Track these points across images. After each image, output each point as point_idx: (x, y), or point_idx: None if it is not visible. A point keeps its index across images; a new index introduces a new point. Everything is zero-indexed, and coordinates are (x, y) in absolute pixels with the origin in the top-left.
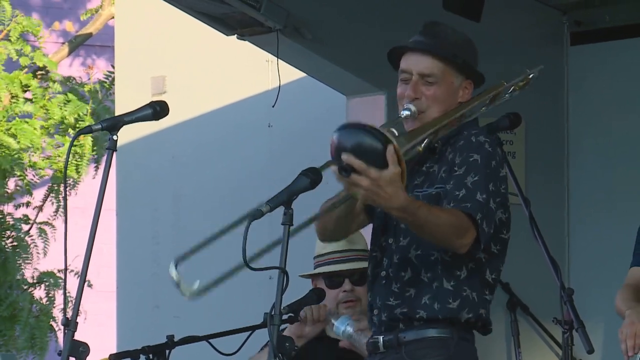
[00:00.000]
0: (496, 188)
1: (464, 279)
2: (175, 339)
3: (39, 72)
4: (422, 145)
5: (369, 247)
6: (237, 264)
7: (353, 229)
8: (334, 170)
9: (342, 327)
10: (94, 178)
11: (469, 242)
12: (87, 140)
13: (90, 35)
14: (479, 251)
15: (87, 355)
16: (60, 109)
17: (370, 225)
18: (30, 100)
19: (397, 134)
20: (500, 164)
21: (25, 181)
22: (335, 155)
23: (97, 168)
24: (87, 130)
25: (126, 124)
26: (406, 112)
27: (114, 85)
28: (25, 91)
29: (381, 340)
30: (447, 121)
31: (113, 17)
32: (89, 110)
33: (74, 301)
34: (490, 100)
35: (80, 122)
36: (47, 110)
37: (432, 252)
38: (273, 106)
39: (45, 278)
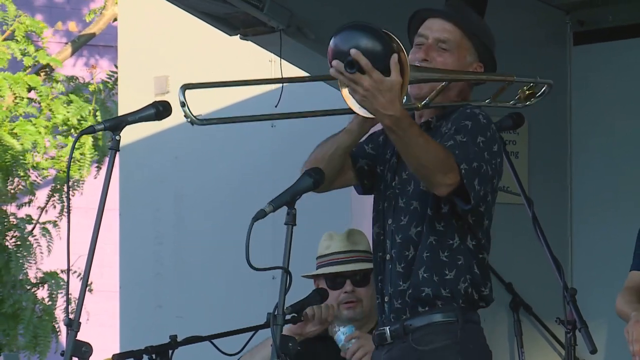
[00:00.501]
0: (488, 155)
1: (456, 247)
2: (178, 339)
3: (43, 71)
4: (423, 103)
5: (371, 249)
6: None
7: (337, 183)
8: (336, 66)
9: (344, 342)
10: (95, 178)
11: (451, 183)
12: (87, 140)
13: (93, 35)
14: (467, 207)
15: (90, 355)
16: (64, 109)
17: (368, 227)
18: (34, 100)
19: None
20: (494, 137)
21: (28, 182)
22: (335, 54)
23: (99, 168)
24: (89, 131)
25: (129, 124)
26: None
27: (116, 85)
28: (29, 91)
29: (388, 331)
30: (451, 78)
31: (116, 18)
32: (92, 111)
33: (76, 301)
34: (494, 95)
35: (83, 123)
36: (50, 110)
37: (426, 225)
38: (276, 106)
39: (48, 278)
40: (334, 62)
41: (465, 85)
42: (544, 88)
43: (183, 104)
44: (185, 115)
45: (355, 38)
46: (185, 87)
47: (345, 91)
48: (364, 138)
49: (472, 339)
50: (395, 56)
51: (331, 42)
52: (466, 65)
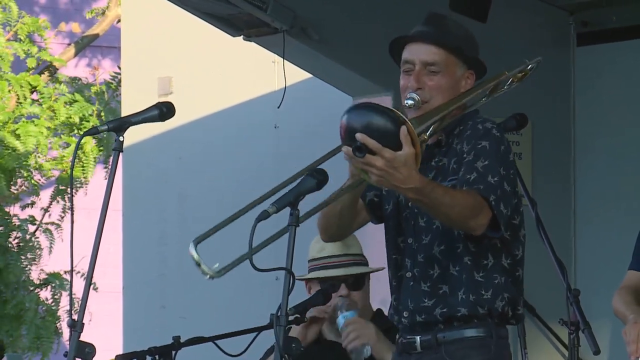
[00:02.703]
0: (507, 172)
1: (491, 267)
2: (182, 340)
3: (46, 71)
4: (428, 133)
5: (363, 251)
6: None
7: (354, 227)
8: (346, 152)
9: (343, 325)
10: (105, 179)
11: (484, 222)
12: (89, 141)
13: (96, 36)
14: (499, 232)
15: (94, 356)
16: (66, 109)
17: (367, 228)
18: (37, 101)
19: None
20: (509, 149)
21: (32, 182)
22: (346, 138)
23: (107, 169)
24: (93, 132)
25: (133, 125)
26: (410, 102)
27: (120, 86)
28: (32, 92)
29: (418, 340)
30: (452, 108)
31: (119, 19)
32: (95, 111)
33: (80, 302)
34: (490, 91)
35: (85, 122)
36: (53, 111)
37: (456, 245)
38: (279, 107)
39: (52, 279)
40: (345, 148)
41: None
42: (533, 64)
43: (198, 264)
44: (203, 273)
45: (362, 117)
46: (197, 241)
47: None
48: None
49: (504, 354)
50: (404, 128)
51: (341, 125)
52: (458, 79)
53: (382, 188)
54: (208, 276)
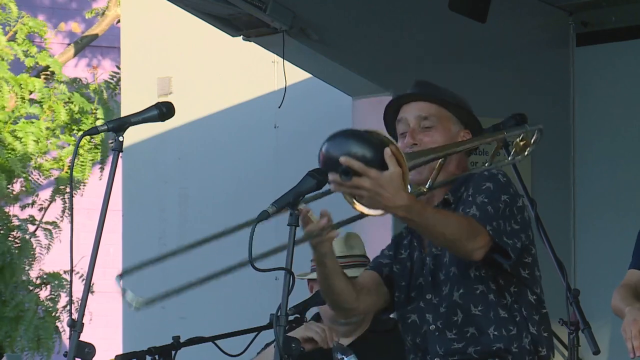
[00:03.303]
0: (509, 213)
1: (511, 304)
2: (181, 340)
3: (44, 73)
4: (427, 185)
5: (366, 252)
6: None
7: (377, 302)
8: (332, 180)
9: None
10: (100, 179)
11: (482, 245)
12: (86, 142)
13: (96, 36)
14: (509, 261)
15: (93, 356)
16: (65, 109)
17: (370, 229)
18: (37, 101)
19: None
20: (516, 195)
21: (31, 182)
22: (326, 167)
23: (102, 169)
24: (93, 131)
25: (132, 125)
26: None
27: (119, 86)
28: (31, 93)
29: None
30: (446, 152)
31: (119, 19)
32: (94, 110)
33: (79, 302)
34: (491, 157)
35: (83, 120)
36: (53, 111)
37: (476, 287)
38: (280, 107)
39: (51, 279)
40: (331, 176)
41: (462, 155)
42: (536, 134)
43: (124, 292)
44: (128, 302)
45: (341, 146)
46: (123, 274)
47: (356, 204)
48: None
49: None
50: (387, 150)
51: (321, 154)
52: (454, 136)
53: (394, 266)
54: (133, 307)
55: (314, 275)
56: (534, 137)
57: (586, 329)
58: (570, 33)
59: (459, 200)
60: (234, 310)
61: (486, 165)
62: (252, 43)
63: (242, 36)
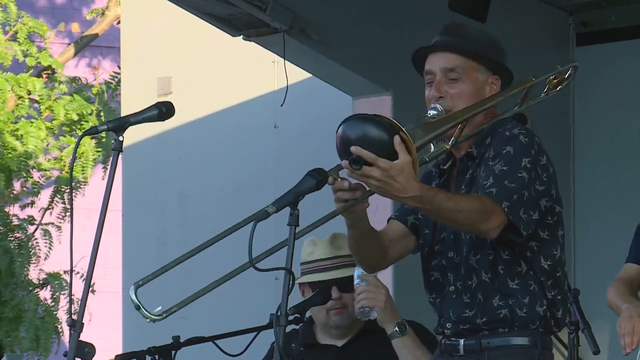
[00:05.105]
0: (531, 176)
1: (525, 273)
2: (181, 340)
3: (45, 72)
4: (450, 143)
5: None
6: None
7: (394, 255)
8: (344, 166)
9: (357, 279)
10: (103, 179)
11: (496, 226)
12: (89, 141)
13: (96, 36)
14: (521, 237)
15: (93, 356)
16: (64, 108)
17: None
18: (37, 101)
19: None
20: (539, 152)
21: (31, 181)
22: (343, 150)
23: (105, 169)
24: (93, 131)
25: (132, 124)
26: (432, 112)
27: (119, 86)
28: (30, 93)
29: (462, 343)
30: (470, 114)
31: (119, 19)
32: (94, 111)
33: (79, 302)
34: (522, 99)
35: (84, 121)
36: (52, 111)
37: (488, 252)
38: (282, 105)
39: (51, 279)
40: (343, 163)
41: None
42: (570, 70)
43: (138, 307)
44: (144, 317)
45: (353, 130)
46: (137, 285)
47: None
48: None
49: None
50: (397, 137)
51: (337, 136)
52: (481, 85)
53: (418, 214)
54: (149, 320)
55: (303, 280)
56: (568, 73)
57: (586, 329)
58: (570, 33)
59: (482, 158)
60: (234, 310)
61: (516, 108)
62: (252, 43)
63: (242, 36)
